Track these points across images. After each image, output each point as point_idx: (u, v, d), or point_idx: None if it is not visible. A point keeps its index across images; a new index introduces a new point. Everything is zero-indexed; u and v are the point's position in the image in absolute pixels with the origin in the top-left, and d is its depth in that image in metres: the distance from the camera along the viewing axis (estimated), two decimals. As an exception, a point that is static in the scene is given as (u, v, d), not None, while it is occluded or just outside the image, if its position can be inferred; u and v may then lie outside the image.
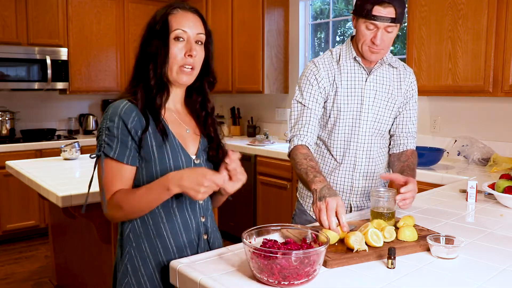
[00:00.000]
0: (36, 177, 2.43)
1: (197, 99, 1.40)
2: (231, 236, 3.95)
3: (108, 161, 1.23)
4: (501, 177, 1.90)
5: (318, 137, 1.85)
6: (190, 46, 1.27)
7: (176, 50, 1.27)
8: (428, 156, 2.78)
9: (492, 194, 1.87)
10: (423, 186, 2.54)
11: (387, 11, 1.61)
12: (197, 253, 1.31)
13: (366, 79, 1.79)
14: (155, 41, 1.27)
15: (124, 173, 1.24)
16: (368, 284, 1.07)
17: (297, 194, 2.01)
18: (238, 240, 1.31)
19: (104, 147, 1.23)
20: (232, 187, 1.24)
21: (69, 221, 2.75)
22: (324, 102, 1.80)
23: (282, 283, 1.03)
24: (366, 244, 1.24)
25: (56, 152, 3.57)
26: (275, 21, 4.29)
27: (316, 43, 4.44)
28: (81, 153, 3.19)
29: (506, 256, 1.26)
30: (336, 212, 1.30)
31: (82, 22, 4.59)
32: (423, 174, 2.64)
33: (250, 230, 1.18)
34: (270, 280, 1.03)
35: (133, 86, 1.30)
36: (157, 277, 1.28)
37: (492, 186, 1.88)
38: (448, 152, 3.03)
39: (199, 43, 1.30)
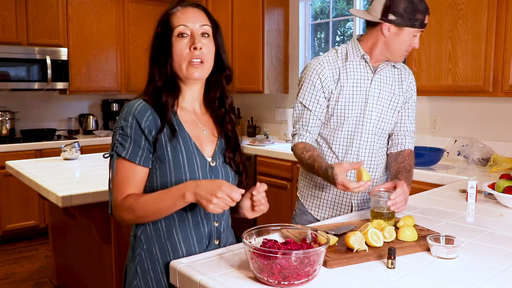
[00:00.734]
0: (36, 177, 2.43)
1: (215, 95, 1.37)
2: (231, 236, 3.95)
3: (120, 161, 1.22)
4: (501, 177, 1.90)
5: (319, 135, 1.86)
6: (194, 39, 1.25)
7: (181, 46, 1.25)
8: (428, 156, 2.78)
9: (492, 194, 1.87)
10: (423, 186, 2.54)
11: (428, 18, 1.75)
12: None
13: (372, 79, 1.81)
14: (158, 42, 1.27)
15: (136, 174, 1.22)
16: (368, 284, 1.07)
17: (297, 193, 2.01)
18: (238, 240, 1.31)
19: (117, 146, 1.22)
20: (252, 214, 1.25)
21: (69, 221, 2.75)
22: (327, 101, 1.81)
23: (282, 283, 1.03)
24: (366, 244, 1.24)
25: (56, 152, 3.57)
26: (275, 21, 4.29)
27: (316, 43, 4.44)
28: (81, 153, 3.18)
29: (506, 256, 1.26)
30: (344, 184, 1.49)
31: (82, 22, 4.59)
32: (423, 174, 2.64)
33: (250, 230, 1.18)
34: (270, 280, 1.03)
35: (147, 88, 1.30)
36: (165, 280, 1.26)
37: (492, 186, 1.88)
38: (448, 152, 3.03)
39: (206, 35, 1.27)
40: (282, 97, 4.55)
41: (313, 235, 1.18)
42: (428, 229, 1.42)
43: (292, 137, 1.84)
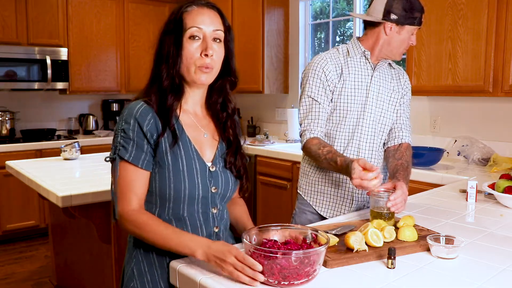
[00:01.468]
0: (36, 177, 2.43)
1: (218, 100, 1.33)
2: (231, 236, 3.95)
3: (123, 164, 1.19)
4: (501, 177, 1.90)
5: None
6: (206, 44, 1.21)
7: (192, 50, 1.21)
8: (428, 156, 2.78)
9: (492, 194, 1.87)
10: (423, 186, 2.54)
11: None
12: None
13: (372, 75, 1.86)
14: (168, 41, 1.22)
15: (139, 178, 1.20)
16: (368, 284, 1.07)
17: (298, 190, 2.01)
18: (238, 240, 1.31)
19: (119, 149, 1.19)
20: None
21: (69, 221, 2.75)
22: (332, 94, 1.83)
23: (282, 283, 1.03)
24: (366, 244, 1.24)
25: (56, 152, 3.57)
26: (275, 21, 4.29)
27: (316, 43, 4.44)
28: (81, 153, 3.18)
29: (506, 256, 1.26)
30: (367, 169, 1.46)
31: (82, 22, 4.59)
32: (423, 174, 2.64)
33: (250, 230, 1.18)
34: (270, 280, 1.03)
35: (149, 88, 1.26)
36: (161, 283, 1.25)
37: (492, 186, 1.88)
38: (448, 152, 3.03)
39: (217, 40, 1.24)
40: (282, 97, 4.55)
41: (313, 235, 1.18)
42: (428, 229, 1.42)
43: (301, 134, 1.82)
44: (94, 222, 2.22)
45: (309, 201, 1.95)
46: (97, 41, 4.70)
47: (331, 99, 1.83)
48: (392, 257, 1.15)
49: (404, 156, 1.81)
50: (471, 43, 2.74)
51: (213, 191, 1.27)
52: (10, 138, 4.35)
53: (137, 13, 4.90)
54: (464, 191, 2.02)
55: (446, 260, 1.22)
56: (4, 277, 3.47)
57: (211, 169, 1.27)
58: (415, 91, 2.73)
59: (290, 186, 3.59)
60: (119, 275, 2.28)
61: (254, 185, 3.93)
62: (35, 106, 4.74)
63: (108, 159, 1.24)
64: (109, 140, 4.49)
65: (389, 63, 1.93)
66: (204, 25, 1.22)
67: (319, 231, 1.17)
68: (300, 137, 1.83)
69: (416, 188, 2.50)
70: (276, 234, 1.19)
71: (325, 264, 1.15)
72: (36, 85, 4.35)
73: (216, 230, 1.31)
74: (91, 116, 4.96)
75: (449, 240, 1.25)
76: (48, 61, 4.32)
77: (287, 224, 1.26)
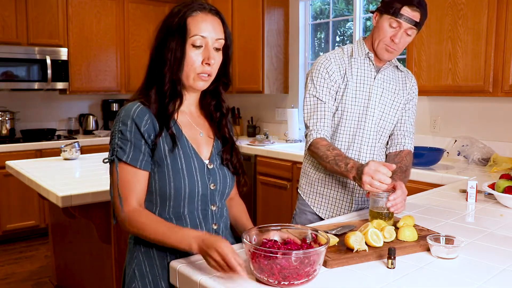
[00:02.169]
0: (36, 177, 2.43)
1: (211, 102, 1.36)
2: (231, 236, 3.95)
3: (122, 166, 1.20)
4: (501, 177, 1.90)
5: None
6: (208, 54, 1.22)
7: (194, 57, 1.22)
8: (428, 156, 2.78)
9: (492, 194, 1.86)
10: (423, 186, 2.54)
11: (414, 14, 1.70)
12: None
13: (375, 77, 1.83)
14: (172, 45, 1.21)
15: (138, 179, 1.20)
16: (368, 284, 1.07)
17: (298, 190, 2.01)
18: (238, 240, 1.31)
19: (117, 151, 1.20)
20: None
21: (69, 221, 2.75)
22: (335, 94, 1.82)
23: (282, 283, 1.03)
24: (366, 244, 1.24)
25: (56, 152, 3.57)
26: (275, 21, 4.29)
27: (316, 43, 4.44)
28: (81, 153, 3.18)
29: (506, 256, 1.26)
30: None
31: (82, 22, 4.59)
32: (423, 174, 2.64)
33: (250, 230, 1.18)
34: (270, 280, 1.03)
35: (146, 88, 1.26)
36: (162, 284, 1.26)
37: (492, 186, 1.88)
38: (448, 152, 3.03)
39: (218, 49, 1.26)
40: (282, 97, 4.55)
41: (313, 235, 1.18)
42: (428, 229, 1.42)
43: (306, 134, 1.80)
44: (94, 222, 2.22)
45: (307, 202, 1.94)
46: (97, 41, 4.70)
47: (335, 99, 1.82)
48: (392, 257, 1.15)
49: (404, 161, 1.81)
50: (471, 43, 2.74)
51: (212, 188, 1.29)
52: (10, 138, 4.35)
53: (137, 13, 4.90)
54: (464, 191, 2.02)
55: (446, 260, 1.21)
56: (4, 277, 3.47)
57: (209, 166, 1.29)
58: (415, 91, 2.72)
59: (290, 186, 3.59)
60: (119, 275, 2.28)
61: (254, 185, 3.93)
62: (35, 106, 4.74)
63: (106, 160, 1.25)
64: (109, 140, 4.49)
65: (396, 66, 1.90)
66: (208, 33, 1.22)
67: (319, 231, 1.17)
68: (306, 137, 1.80)
69: (416, 188, 2.50)
70: (276, 234, 1.19)
71: (325, 264, 1.15)
72: (36, 85, 4.35)
73: (215, 227, 1.33)
74: (91, 116, 4.96)
75: (449, 240, 1.25)
76: (48, 61, 4.32)
77: (287, 224, 1.26)
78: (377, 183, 1.43)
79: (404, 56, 3.13)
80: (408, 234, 1.31)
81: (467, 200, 1.88)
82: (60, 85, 4.47)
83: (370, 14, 3.82)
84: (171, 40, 1.21)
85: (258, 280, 1.06)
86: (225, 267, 1.03)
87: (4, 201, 4.09)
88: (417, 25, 1.71)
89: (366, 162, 1.51)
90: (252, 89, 4.37)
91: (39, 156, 4.07)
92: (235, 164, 1.36)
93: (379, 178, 1.42)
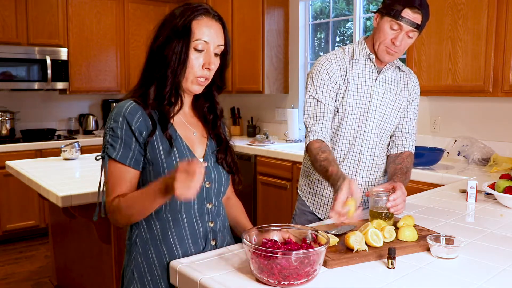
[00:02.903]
0: (36, 177, 2.43)
1: (205, 104, 1.37)
2: (231, 236, 3.95)
3: (111, 163, 1.21)
4: (501, 177, 1.90)
5: None
6: (209, 59, 1.24)
7: (195, 60, 1.23)
8: (428, 156, 2.78)
9: (492, 194, 1.87)
10: (423, 186, 2.54)
11: (415, 17, 1.66)
12: None
13: (376, 78, 1.82)
14: (176, 47, 1.21)
15: (126, 176, 1.21)
16: (368, 284, 1.07)
17: (298, 190, 2.01)
18: (237, 240, 1.31)
19: (107, 148, 1.21)
20: None
21: (69, 221, 2.75)
22: (336, 96, 1.80)
23: (282, 283, 1.03)
24: (366, 244, 1.24)
25: (56, 152, 3.57)
26: (275, 21, 4.29)
27: (316, 43, 4.44)
28: (81, 153, 3.19)
29: (506, 256, 1.26)
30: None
31: (82, 22, 4.59)
32: (423, 174, 2.64)
33: (250, 230, 1.18)
34: (270, 280, 1.03)
35: (143, 87, 1.26)
36: (161, 284, 1.26)
37: (492, 186, 1.88)
38: (448, 152, 3.03)
39: (217, 54, 1.27)
40: (282, 97, 4.55)
41: (313, 235, 1.18)
42: (428, 229, 1.42)
43: (306, 136, 1.78)
44: (94, 222, 2.21)
45: (306, 202, 1.94)
46: (97, 41, 4.70)
47: (335, 101, 1.80)
48: (392, 257, 1.15)
49: (405, 162, 1.80)
50: (471, 43, 2.74)
51: (207, 186, 1.30)
52: (10, 138, 4.35)
53: (137, 13, 4.90)
54: (464, 191, 2.02)
55: (446, 260, 1.22)
56: (4, 277, 3.47)
57: (203, 164, 1.29)
58: (415, 91, 2.72)
59: (290, 186, 3.59)
60: (119, 275, 2.27)
61: (254, 185, 3.93)
62: (35, 106, 4.74)
63: (98, 158, 1.26)
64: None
65: (398, 67, 1.87)
66: (210, 38, 1.23)
67: (319, 231, 1.17)
68: (305, 138, 1.80)
69: (416, 188, 2.50)
70: (276, 234, 1.20)
71: (325, 264, 1.15)
72: (36, 85, 4.35)
73: (212, 225, 1.33)
74: (91, 116, 4.96)
75: (449, 240, 1.25)
76: (48, 61, 4.32)
77: (287, 224, 1.26)
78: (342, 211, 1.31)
79: (404, 56, 3.13)
80: (408, 234, 1.31)
81: (467, 200, 1.88)
82: (60, 85, 4.47)
83: (370, 14, 3.83)
84: (175, 42, 1.21)
85: (258, 280, 1.06)
86: (190, 170, 1.02)
87: (4, 201, 4.09)
88: (419, 27, 1.68)
89: (345, 180, 1.39)
90: (252, 89, 4.37)
91: (39, 156, 4.07)
92: (230, 163, 1.37)
93: (345, 209, 1.30)
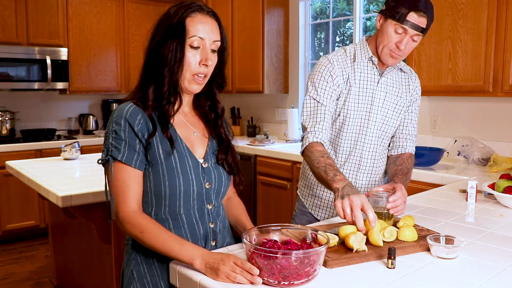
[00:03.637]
0: (36, 177, 2.43)
1: (206, 103, 1.36)
2: (231, 236, 3.95)
3: (116, 165, 1.19)
4: (501, 177, 1.90)
5: None
6: (206, 55, 1.23)
7: (191, 58, 1.22)
8: (428, 156, 2.78)
9: (492, 194, 1.86)
10: (423, 186, 2.54)
11: (420, 20, 1.62)
12: None
13: (378, 81, 1.79)
14: (171, 46, 1.21)
15: (133, 178, 1.20)
16: (368, 284, 1.07)
17: (297, 192, 2.01)
18: (237, 240, 1.31)
19: (111, 150, 1.20)
20: None
21: (69, 221, 2.75)
22: (337, 100, 1.78)
23: (282, 283, 1.03)
24: (367, 243, 1.24)
25: (56, 152, 3.57)
26: (275, 21, 4.29)
27: (316, 43, 4.44)
28: (81, 153, 3.19)
29: (506, 256, 1.26)
30: (362, 209, 1.27)
31: (82, 22, 4.59)
32: (423, 174, 2.64)
33: (250, 230, 1.18)
34: (270, 280, 1.03)
35: (142, 88, 1.26)
36: (161, 283, 1.26)
37: (492, 186, 1.88)
38: (448, 152, 3.03)
39: (214, 50, 1.27)
40: (282, 97, 4.55)
41: (313, 235, 1.18)
42: (428, 229, 1.42)
43: (303, 137, 1.71)
44: (94, 222, 2.22)
45: (305, 204, 1.94)
46: (97, 41, 4.70)
47: (336, 104, 1.77)
48: (392, 257, 1.15)
49: (405, 163, 1.79)
50: (471, 43, 2.74)
51: (207, 186, 1.29)
52: (10, 138, 4.35)
53: (137, 13, 4.90)
54: (464, 191, 2.02)
55: (446, 260, 1.21)
56: (4, 277, 3.47)
57: (203, 165, 1.29)
58: (415, 91, 2.72)
59: (290, 186, 3.59)
60: (119, 275, 2.28)
61: (254, 185, 3.93)
62: (35, 106, 4.74)
63: (100, 161, 1.24)
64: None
65: (400, 68, 1.84)
66: (206, 34, 1.23)
67: (319, 231, 1.17)
68: (302, 139, 1.73)
69: (416, 188, 2.51)
70: (276, 234, 1.19)
71: (325, 264, 1.15)
72: (36, 85, 4.35)
73: (212, 226, 1.33)
74: (91, 116, 4.96)
75: (449, 240, 1.25)
76: (48, 61, 4.32)
77: (287, 224, 1.26)
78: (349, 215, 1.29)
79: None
80: (408, 234, 1.31)
81: (467, 200, 1.88)
82: (60, 85, 4.47)
83: (370, 14, 3.82)
84: (171, 41, 1.21)
85: (258, 280, 1.06)
86: (244, 273, 1.03)
87: (4, 201, 4.09)
88: (424, 31, 1.65)
89: (353, 192, 1.34)
90: (252, 89, 4.37)
91: (39, 156, 4.07)
92: (230, 164, 1.36)
93: (356, 214, 1.27)
